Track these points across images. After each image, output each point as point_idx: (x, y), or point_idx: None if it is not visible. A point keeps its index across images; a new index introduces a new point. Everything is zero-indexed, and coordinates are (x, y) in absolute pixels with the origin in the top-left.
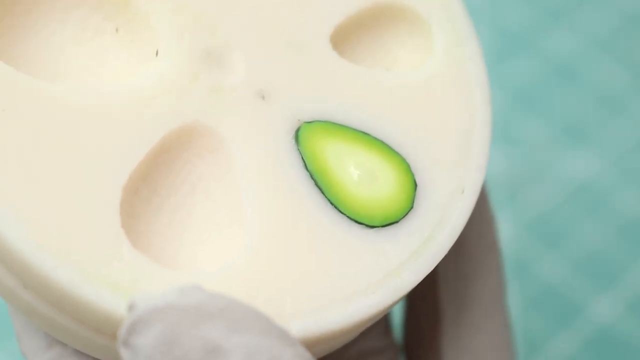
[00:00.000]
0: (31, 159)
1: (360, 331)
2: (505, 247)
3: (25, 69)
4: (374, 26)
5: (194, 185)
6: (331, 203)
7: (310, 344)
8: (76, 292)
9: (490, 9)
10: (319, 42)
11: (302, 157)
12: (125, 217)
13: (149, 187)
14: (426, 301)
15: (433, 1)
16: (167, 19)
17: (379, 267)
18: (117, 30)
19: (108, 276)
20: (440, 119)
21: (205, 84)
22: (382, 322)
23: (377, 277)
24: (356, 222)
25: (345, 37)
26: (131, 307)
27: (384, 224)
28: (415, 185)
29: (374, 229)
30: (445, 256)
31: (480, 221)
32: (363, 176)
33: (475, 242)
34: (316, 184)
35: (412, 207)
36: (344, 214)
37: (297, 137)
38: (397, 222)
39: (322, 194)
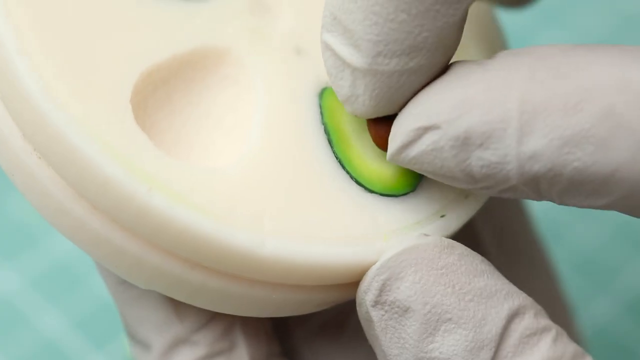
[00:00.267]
0: (70, 19)
1: (333, 299)
2: None
3: None
4: None
5: (209, 108)
6: (337, 158)
7: (281, 273)
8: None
9: None
10: None
11: (321, 112)
12: (137, 105)
13: (166, 92)
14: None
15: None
16: None
17: (365, 227)
18: None
19: (108, 138)
20: None
21: (247, 22)
22: None
23: (361, 233)
24: (356, 181)
25: None
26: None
27: (382, 193)
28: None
29: (372, 194)
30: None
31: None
32: (374, 147)
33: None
34: (327, 137)
35: (413, 190)
36: (346, 171)
37: (321, 95)
38: (395, 196)
39: (330, 147)
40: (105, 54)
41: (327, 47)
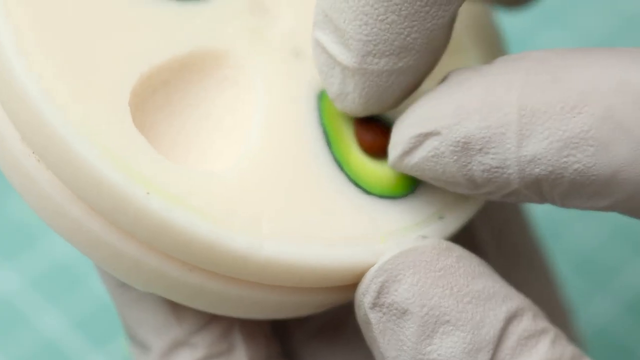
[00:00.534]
0: (69, 23)
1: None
2: None
3: None
4: None
5: (208, 110)
6: (335, 160)
7: (279, 275)
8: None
9: None
10: None
11: (319, 113)
12: (136, 107)
13: (165, 93)
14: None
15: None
16: None
17: (363, 229)
18: None
19: (106, 141)
20: None
21: (247, 23)
22: None
23: (359, 235)
24: (354, 183)
25: None
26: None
27: (381, 195)
28: None
29: (370, 195)
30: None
31: None
32: None
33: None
34: (326, 139)
35: (411, 192)
36: (345, 173)
37: (320, 96)
38: (393, 198)
39: (329, 149)
40: (105, 55)
41: (318, 44)
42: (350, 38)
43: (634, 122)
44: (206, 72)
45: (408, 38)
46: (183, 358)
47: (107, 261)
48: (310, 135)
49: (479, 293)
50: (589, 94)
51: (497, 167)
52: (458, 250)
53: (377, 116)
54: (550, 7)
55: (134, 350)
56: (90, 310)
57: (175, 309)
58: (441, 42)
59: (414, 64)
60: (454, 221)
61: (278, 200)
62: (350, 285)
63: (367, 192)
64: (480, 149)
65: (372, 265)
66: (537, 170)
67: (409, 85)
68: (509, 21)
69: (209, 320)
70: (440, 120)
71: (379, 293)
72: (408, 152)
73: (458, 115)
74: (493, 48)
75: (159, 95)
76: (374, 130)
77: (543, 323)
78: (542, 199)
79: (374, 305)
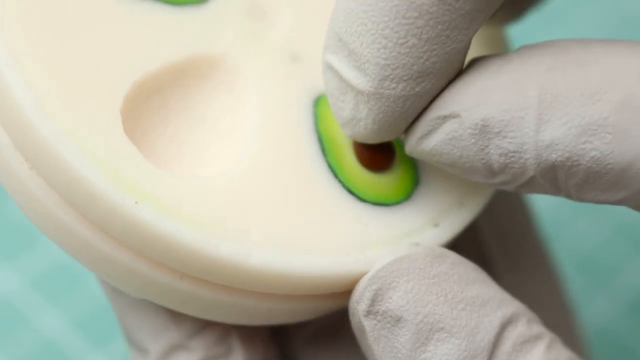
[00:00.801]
0: (63, 31)
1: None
2: None
3: None
4: None
5: (203, 115)
6: (329, 167)
7: (268, 284)
8: (62, 154)
9: None
10: None
11: (315, 120)
12: (128, 114)
13: (160, 99)
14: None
15: None
16: None
17: (357, 236)
18: None
19: (97, 150)
20: None
21: (244, 28)
22: None
23: (352, 243)
24: (348, 190)
25: None
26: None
27: (375, 202)
28: (417, 182)
29: (364, 203)
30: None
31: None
32: None
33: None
34: (320, 145)
35: (406, 199)
36: (339, 180)
37: (316, 102)
38: (387, 205)
39: (323, 156)
40: (98, 62)
41: (329, 68)
42: (367, 62)
43: None
44: (202, 77)
45: (427, 62)
46: None
47: (99, 267)
48: (304, 141)
49: (474, 299)
50: (610, 82)
51: (514, 152)
52: (452, 257)
53: None
54: (550, 6)
55: (132, 354)
56: (90, 310)
57: (173, 312)
58: (457, 66)
59: (431, 89)
60: (449, 229)
61: (269, 207)
62: (345, 292)
63: (361, 199)
64: (499, 132)
65: (365, 273)
66: (554, 156)
67: (421, 110)
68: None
69: (206, 323)
70: (460, 103)
71: (373, 301)
72: (426, 135)
73: (478, 98)
74: (499, 48)
75: (154, 100)
76: (373, 145)
77: (538, 328)
78: (557, 189)
79: (368, 312)
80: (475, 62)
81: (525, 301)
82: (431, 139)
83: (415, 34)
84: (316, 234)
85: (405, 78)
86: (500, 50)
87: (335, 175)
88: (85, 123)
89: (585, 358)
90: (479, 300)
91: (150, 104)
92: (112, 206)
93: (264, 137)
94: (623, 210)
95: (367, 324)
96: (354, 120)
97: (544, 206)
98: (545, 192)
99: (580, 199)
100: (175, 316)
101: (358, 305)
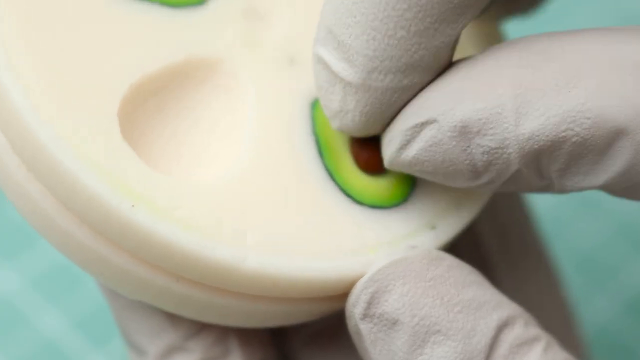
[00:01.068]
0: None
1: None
2: None
3: None
4: None
5: (200, 118)
6: (326, 169)
7: (264, 287)
8: (60, 162)
9: None
10: None
11: (312, 122)
12: (126, 117)
13: (157, 102)
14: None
15: None
16: None
17: (353, 239)
18: None
19: (93, 154)
20: None
21: (241, 30)
22: None
23: (349, 246)
24: (345, 193)
25: None
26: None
27: (371, 205)
28: (414, 185)
29: (360, 206)
30: (482, 216)
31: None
32: None
33: (507, 202)
34: (318, 149)
35: (403, 202)
36: (336, 183)
37: (313, 105)
38: (384, 208)
39: (320, 158)
40: (94, 66)
41: (319, 60)
42: (356, 53)
43: (631, 90)
44: (199, 80)
45: (415, 55)
46: None
47: (96, 270)
48: (301, 144)
49: (470, 302)
50: (583, 68)
51: (496, 148)
52: (448, 260)
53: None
54: (550, 6)
55: (130, 355)
56: (90, 310)
57: (171, 313)
58: (445, 60)
59: (418, 82)
60: (446, 231)
61: (265, 210)
62: (343, 294)
63: (358, 202)
64: (478, 131)
65: (362, 277)
66: (536, 146)
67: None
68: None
69: (204, 325)
70: (435, 108)
71: (369, 304)
72: (405, 145)
73: (453, 100)
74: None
75: (151, 103)
76: (370, 148)
77: (535, 330)
78: (540, 177)
79: (365, 316)
80: (451, 63)
81: (525, 301)
82: (411, 149)
83: (403, 27)
84: (313, 238)
85: (393, 70)
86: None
87: (332, 178)
88: (82, 127)
89: (584, 358)
90: (475, 302)
91: (147, 106)
92: (108, 210)
93: (260, 140)
94: (623, 210)
95: (364, 327)
96: (342, 112)
97: (544, 206)
98: (529, 185)
99: (562, 186)
100: (173, 318)
101: (354, 308)
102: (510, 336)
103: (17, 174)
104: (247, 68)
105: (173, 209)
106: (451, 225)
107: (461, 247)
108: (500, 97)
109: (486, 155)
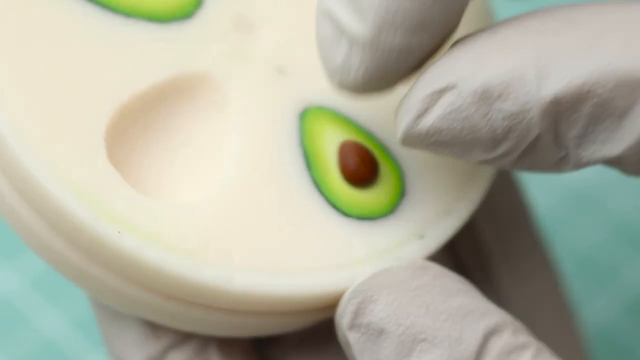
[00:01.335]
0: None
1: (312, 320)
2: None
3: None
4: None
5: (188, 136)
6: (314, 182)
7: (252, 305)
8: (44, 186)
9: None
10: None
11: (300, 134)
12: (114, 139)
13: (145, 122)
14: (472, 255)
15: None
16: None
17: (341, 252)
18: None
19: (79, 181)
20: None
21: (229, 44)
22: None
23: (336, 259)
24: (332, 206)
25: None
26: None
27: (359, 216)
28: (403, 194)
29: (348, 218)
30: (481, 214)
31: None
32: None
33: (506, 199)
34: (305, 160)
35: (391, 212)
36: (323, 195)
37: (302, 116)
38: (372, 219)
39: (308, 171)
40: (80, 89)
41: (325, 13)
42: (368, 9)
43: None
44: (188, 96)
45: (427, 14)
46: None
47: (88, 288)
48: (289, 157)
49: (457, 310)
50: (606, 32)
51: (517, 113)
52: (434, 269)
53: (365, 141)
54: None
55: None
56: (90, 310)
57: (154, 324)
58: (454, 25)
59: (426, 43)
60: (435, 239)
61: (252, 228)
62: (331, 304)
63: (346, 214)
64: (500, 96)
65: (341, 292)
66: (557, 109)
67: (412, 66)
68: None
69: (186, 336)
70: (455, 73)
71: (356, 314)
72: (423, 113)
73: (474, 65)
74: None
75: (140, 123)
76: (357, 159)
77: (524, 338)
78: (558, 147)
79: (352, 326)
80: (461, 39)
81: (525, 301)
82: (429, 117)
83: None
84: (300, 253)
85: (403, 29)
86: (484, 21)
87: (320, 190)
88: (68, 152)
89: (584, 358)
90: (462, 310)
91: (135, 126)
92: (95, 237)
93: (247, 156)
94: (623, 210)
95: (352, 337)
96: (345, 69)
97: (544, 205)
98: (545, 158)
99: (578, 158)
100: (155, 329)
101: (342, 319)
102: (498, 344)
103: (9, 197)
104: (236, 81)
105: (160, 234)
106: (440, 233)
107: (461, 246)
108: (523, 61)
109: (507, 121)
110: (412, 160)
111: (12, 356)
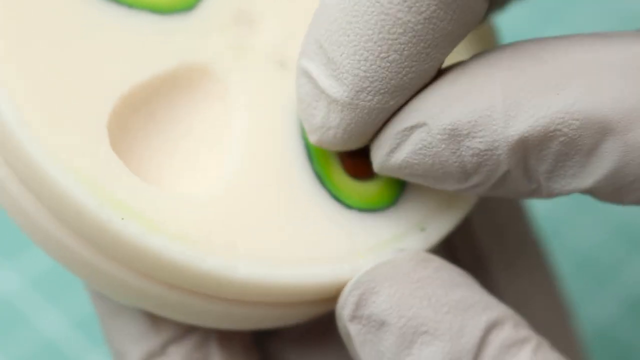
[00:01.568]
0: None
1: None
2: None
3: None
4: None
5: (190, 127)
6: (316, 174)
7: (256, 294)
8: (49, 174)
9: None
10: None
11: (301, 127)
12: (116, 128)
13: (147, 112)
14: (468, 252)
15: None
16: None
17: (343, 244)
18: None
19: (83, 168)
20: None
21: (231, 36)
22: None
23: (339, 250)
24: (335, 198)
25: None
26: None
27: (361, 209)
28: (404, 186)
29: (350, 210)
30: (478, 210)
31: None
32: None
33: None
34: (307, 153)
35: (393, 204)
36: (325, 187)
37: None
38: (374, 211)
39: (310, 163)
40: (83, 78)
41: (304, 73)
42: (346, 72)
43: (619, 91)
44: (189, 87)
45: (405, 78)
46: None
47: (90, 279)
48: (291, 150)
49: (458, 303)
50: (572, 71)
51: (486, 150)
52: (437, 261)
53: None
54: (549, 6)
55: (112, 359)
56: (90, 310)
57: (154, 318)
58: (429, 80)
59: (403, 102)
60: (437, 232)
61: (255, 219)
62: (333, 296)
63: (348, 206)
64: (468, 134)
65: (343, 284)
66: (524, 147)
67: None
68: (507, 21)
69: (186, 329)
70: (425, 112)
71: (357, 306)
72: (395, 148)
73: (442, 104)
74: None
75: (141, 113)
76: (357, 154)
77: (525, 332)
78: (529, 180)
79: (353, 317)
80: (438, 71)
81: (521, 299)
82: (401, 152)
83: (397, 50)
84: (303, 244)
85: (382, 91)
86: (489, 44)
87: (322, 182)
88: (72, 141)
89: (580, 357)
90: (463, 303)
91: (138, 116)
92: (99, 224)
93: (250, 148)
94: (623, 210)
95: (352, 329)
96: (324, 128)
97: (543, 206)
98: (517, 189)
99: (550, 190)
100: (156, 322)
101: (343, 310)
102: (499, 337)
103: (11, 186)
104: (238, 74)
105: (163, 221)
106: (441, 226)
107: (458, 246)
108: (490, 100)
109: (476, 157)
110: None
111: (12, 356)
